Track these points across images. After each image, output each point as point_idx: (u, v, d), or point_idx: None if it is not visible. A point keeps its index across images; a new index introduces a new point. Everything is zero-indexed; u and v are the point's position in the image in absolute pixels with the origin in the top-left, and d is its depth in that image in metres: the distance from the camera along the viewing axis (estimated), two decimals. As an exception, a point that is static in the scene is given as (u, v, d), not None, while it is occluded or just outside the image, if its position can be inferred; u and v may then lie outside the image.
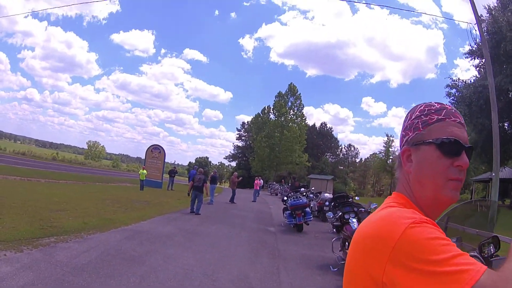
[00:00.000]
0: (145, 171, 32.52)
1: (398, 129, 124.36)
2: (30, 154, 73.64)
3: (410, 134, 1.45)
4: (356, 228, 7.93)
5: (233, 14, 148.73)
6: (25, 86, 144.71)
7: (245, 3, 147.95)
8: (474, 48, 31.34)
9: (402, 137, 1.50)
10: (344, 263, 6.50)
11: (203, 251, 11.18)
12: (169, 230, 13.82)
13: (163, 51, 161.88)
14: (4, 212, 12.10)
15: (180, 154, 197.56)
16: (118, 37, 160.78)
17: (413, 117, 1.47)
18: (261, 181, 36.28)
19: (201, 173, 20.58)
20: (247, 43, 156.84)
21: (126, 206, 18.59)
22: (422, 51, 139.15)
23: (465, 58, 34.94)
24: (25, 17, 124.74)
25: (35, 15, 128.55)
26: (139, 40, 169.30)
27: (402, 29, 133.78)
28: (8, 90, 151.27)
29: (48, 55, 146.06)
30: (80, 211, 14.66)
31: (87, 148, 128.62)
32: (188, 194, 20.52)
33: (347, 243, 10.36)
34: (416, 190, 1.41)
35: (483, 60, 26.90)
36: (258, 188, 35.59)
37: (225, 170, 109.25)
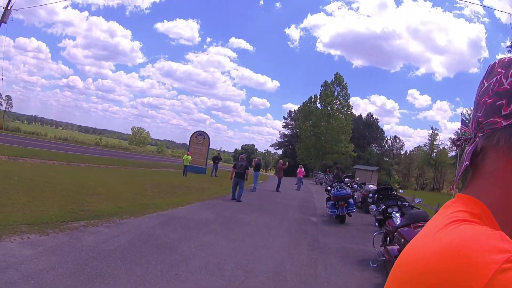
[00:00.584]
0: (189, 157, 32.03)
1: (442, 123, 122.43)
2: (72, 140, 75.24)
3: None
4: (399, 226, 7.36)
5: (278, 4, 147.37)
6: (67, 74, 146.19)
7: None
8: None
9: (491, 104, 0.90)
10: (384, 260, 6.02)
11: (240, 239, 10.86)
12: (206, 216, 13.58)
13: (208, 39, 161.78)
14: (35, 195, 12.00)
15: (227, 141, 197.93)
16: (162, 26, 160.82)
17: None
18: (303, 169, 35.81)
19: (243, 160, 20.37)
20: (293, 32, 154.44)
21: (165, 191, 18.55)
22: (465, 44, 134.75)
23: (507, 52, 34.09)
24: (65, 7, 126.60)
25: (75, 5, 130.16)
26: (184, 29, 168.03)
27: (445, 22, 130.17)
28: (49, 78, 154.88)
29: (91, 44, 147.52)
30: (116, 196, 14.58)
31: (131, 134, 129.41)
32: (231, 178, 20.29)
33: (388, 238, 9.93)
34: None
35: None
36: (301, 176, 35.16)
37: (271, 157, 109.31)
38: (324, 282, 8.17)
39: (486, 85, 0.93)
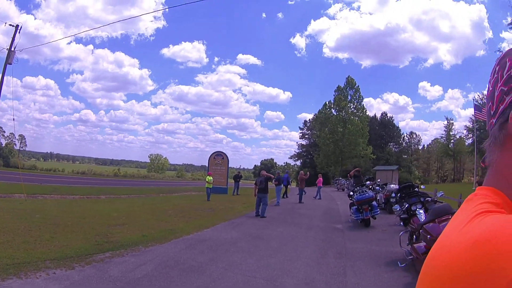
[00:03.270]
0: (210, 177, 30.51)
1: (456, 112, 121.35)
2: (91, 173, 75.40)
3: None
4: (424, 222, 7.36)
5: (280, 15, 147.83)
6: (79, 108, 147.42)
7: (290, 2, 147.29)
8: None
9: (501, 94, 0.96)
10: (412, 258, 6.06)
11: (267, 255, 10.85)
12: (232, 236, 13.57)
13: (216, 59, 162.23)
14: (58, 231, 12.07)
15: (245, 158, 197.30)
16: (168, 51, 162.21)
17: None
18: (321, 178, 35.90)
19: (263, 175, 20.42)
20: (299, 41, 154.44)
21: (189, 215, 18.52)
22: (469, 28, 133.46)
23: (510, 29, 34.01)
24: (68, 43, 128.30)
25: (78, 40, 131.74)
26: (191, 52, 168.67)
27: (446, 8, 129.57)
28: (62, 114, 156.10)
29: (99, 76, 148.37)
30: (140, 224, 14.62)
31: (149, 161, 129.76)
32: (255, 195, 20.27)
33: (414, 236, 9.92)
34: None
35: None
36: (321, 185, 35.12)
37: (291, 169, 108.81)
38: (354, 288, 8.20)
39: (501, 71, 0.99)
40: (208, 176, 30.32)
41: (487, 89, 1.04)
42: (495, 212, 0.84)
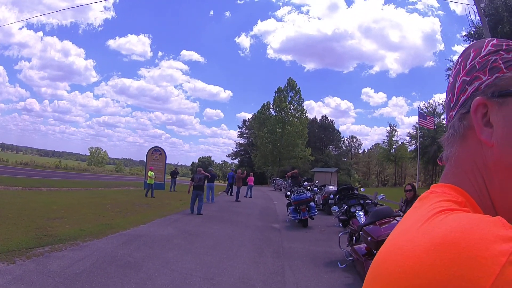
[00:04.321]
0: (152, 172, 28.86)
1: (399, 119, 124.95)
2: (33, 164, 73.46)
3: (485, 78, 0.85)
4: (364, 224, 7.30)
5: (227, 13, 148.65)
6: (24, 96, 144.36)
7: (238, 1, 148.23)
8: (472, 32, 31.62)
9: (463, 85, 0.89)
10: (353, 259, 5.94)
11: (204, 253, 10.77)
12: (168, 232, 13.43)
13: (160, 54, 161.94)
14: (0, 223, 11.78)
15: (183, 155, 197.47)
16: (114, 43, 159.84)
17: (484, 53, 0.88)
18: (253, 177, 36.17)
19: (200, 172, 20.21)
20: (244, 41, 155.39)
21: (126, 210, 18.28)
22: (420, 39, 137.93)
23: (463, 42, 35.26)
24: (20, 28, 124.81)
25: (29, 26, 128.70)
26: (136, 45, 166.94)
27: (398, 18, 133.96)
28: (8, 102, 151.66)
29: (46, 65, 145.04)
30: (78, 218, 14.32)
31: (89, 154, 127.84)
32: (188, 192, 20.20)
33: (354, 237, 9.93)
34: (502, 179, 0.81)
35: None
36: (252, 183, 35.31)
37: (228, 168, 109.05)
38: (293, 287, 8.09)
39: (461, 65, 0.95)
40: (150, 171, 29.15)
41: (448, 83, 0.99)
42: (458, 210, 0.74)
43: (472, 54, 0.90)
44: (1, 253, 8.40)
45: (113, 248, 10.36)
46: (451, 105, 0.93)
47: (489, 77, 0.85)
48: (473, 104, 0.84)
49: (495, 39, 0.91)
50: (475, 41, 0.96)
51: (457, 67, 0.93)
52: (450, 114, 0.93)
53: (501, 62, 0.85)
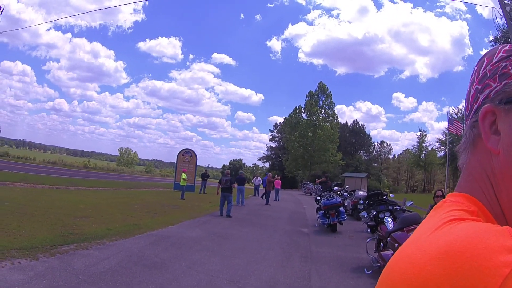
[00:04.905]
0: (185, 174, 28.68)
1: (429, 124, 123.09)
2: (61, 163, 74.60)
3: (494, 85, 0.84)
4: (392, 231, 7.19)
5: (258, 17, 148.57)
6: (53, 97, 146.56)
7: (269, 5, 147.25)
8: (498, 36, 30.99)
9: (476, 93, 0.89)
10: (379, 265, 5.88)
11: (231, 255, 10.75)
12: (197, 234, 13.44)
13: (191, 56, 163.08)
14: (25, 220, 11.89)
15: (214, 157, 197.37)
16: (144, 45, 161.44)
17: (495, 60, 0.87)
18: (280, 181, 35.90)
19: (228, 175, 20.36)
20: (275, 44, 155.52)
21: (155, 211, 18.38)
22: (448, 43, 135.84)
23: (491, 47, 34.84)
24: (48, 30, 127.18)
25: (57, 27, 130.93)
26: (167, 47, 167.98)
27: (427, 22, 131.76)
28: (36, 101, 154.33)
29: (75, 66, 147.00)
30: (106, 218, 14.44)
31: (119, 155, 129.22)
32: (217, 193, 20.27)
33: (382, 243, 9.83)
34: (509, 187, 0.79)
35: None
36: (279, 187, 35.03)
37: (259, 171, 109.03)
38: (318, 293, 8.05)
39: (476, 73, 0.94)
40: (183, 173, 28.99)
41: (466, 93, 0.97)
42: (469, 220, 0.72)
43: (485, 62, 0.89)
44: (24, 250, 8.48)
45: (140, 248, 10.41)
46: (466, 114, 0.92)
47: (498, 83, 0.84)
48: (481, 112, 0.83)
49: (509, 44, 0.89)
50: (490, 49, 0.93)
51: (473, 76, 0.92)
52: (466, 122, 0.91)
53: (510, 68, 0.83)
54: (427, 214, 10.17)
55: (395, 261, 0.72)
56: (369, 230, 11.66)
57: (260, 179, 38.04)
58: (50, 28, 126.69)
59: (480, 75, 0.89)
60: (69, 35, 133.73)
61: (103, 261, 8.59)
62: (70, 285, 6.83)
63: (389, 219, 10.57)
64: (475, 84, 0.90)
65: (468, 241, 0.62)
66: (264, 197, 31.69)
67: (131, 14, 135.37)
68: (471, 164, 0.87)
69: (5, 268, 7.20)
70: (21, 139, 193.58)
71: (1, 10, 22.21)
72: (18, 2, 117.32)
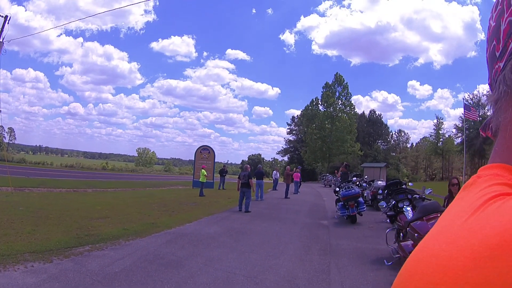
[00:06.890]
0: (204, 171, 28.56)
1: (445, 111, 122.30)
2: (79, 166, 75.33)
3: None
4: (411, 220, 6.95)
5: (269, 11, 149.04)
6: (68, 101, 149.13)
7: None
8: None
9: (511, 27, 0.62)
10: (399, 257, 5.69)
11: (249, 251, 10.62)
12: (215, 230, 13.35)
13: (205, 54, 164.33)
14: (40, 223, 11.91)
15: (233, 153, 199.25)
16: (157, 45, 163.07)
17: None
18: (299, 173, 35.61)
19: (247, 169, 20.19)
20: (288, 37, 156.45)
21: (173, 209, 18.34)
22: (461, 29, 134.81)
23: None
24: (58, 36, 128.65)
25: (68, 32, 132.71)
26: (180, 46, 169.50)
27: (438, 8, 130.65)
28: (50, 107, 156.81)
29: (88, 69, 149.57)
30: (122, 218, 14.40)
31: (137, 155, 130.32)
32: (238, 189, 20.12)
33: (402, 234, 9.63)
34: None
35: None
36: (298, 180, 34.95)
37: (278, 165, 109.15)
38: (338, 286, 7.89)
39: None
40: (202, 170, 29.01)
41: (488, 29, 0.71)
42: None
43: None
44: (38, 253, 8.47)
45: (156, 246, 10.35)
46: (497, 54, 0.65)
47: None
48: None
49: None
50: None
51: (499, 7, 0.66)
52: (497, 66, 0.65)
53: None
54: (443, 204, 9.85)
55: (418, 261, 0.51)
56: (388, 220, 11.49)
57: (278, 173, 38.02)
58: (61, 34, 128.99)
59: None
60: (80, 39, 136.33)
61: (118, 261, 8.55)
62: (83, 286, 6.80)
63: (408, 208, 10.38)
64: (506, 15, 0.63)
65: None
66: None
67: (142, 15, 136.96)
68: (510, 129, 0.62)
69: (18, 272, 7.19)
70: (37, 145, 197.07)
71: (8, 19, 22.22)
72: (26, 10, 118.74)
